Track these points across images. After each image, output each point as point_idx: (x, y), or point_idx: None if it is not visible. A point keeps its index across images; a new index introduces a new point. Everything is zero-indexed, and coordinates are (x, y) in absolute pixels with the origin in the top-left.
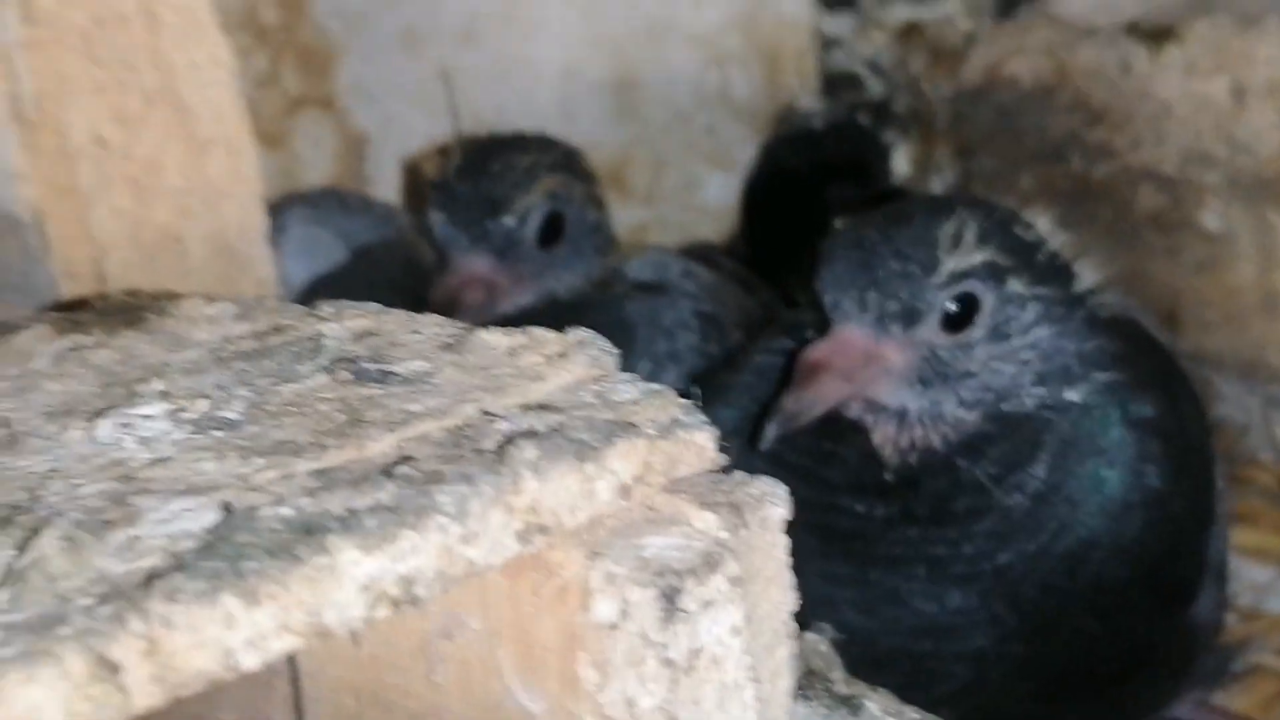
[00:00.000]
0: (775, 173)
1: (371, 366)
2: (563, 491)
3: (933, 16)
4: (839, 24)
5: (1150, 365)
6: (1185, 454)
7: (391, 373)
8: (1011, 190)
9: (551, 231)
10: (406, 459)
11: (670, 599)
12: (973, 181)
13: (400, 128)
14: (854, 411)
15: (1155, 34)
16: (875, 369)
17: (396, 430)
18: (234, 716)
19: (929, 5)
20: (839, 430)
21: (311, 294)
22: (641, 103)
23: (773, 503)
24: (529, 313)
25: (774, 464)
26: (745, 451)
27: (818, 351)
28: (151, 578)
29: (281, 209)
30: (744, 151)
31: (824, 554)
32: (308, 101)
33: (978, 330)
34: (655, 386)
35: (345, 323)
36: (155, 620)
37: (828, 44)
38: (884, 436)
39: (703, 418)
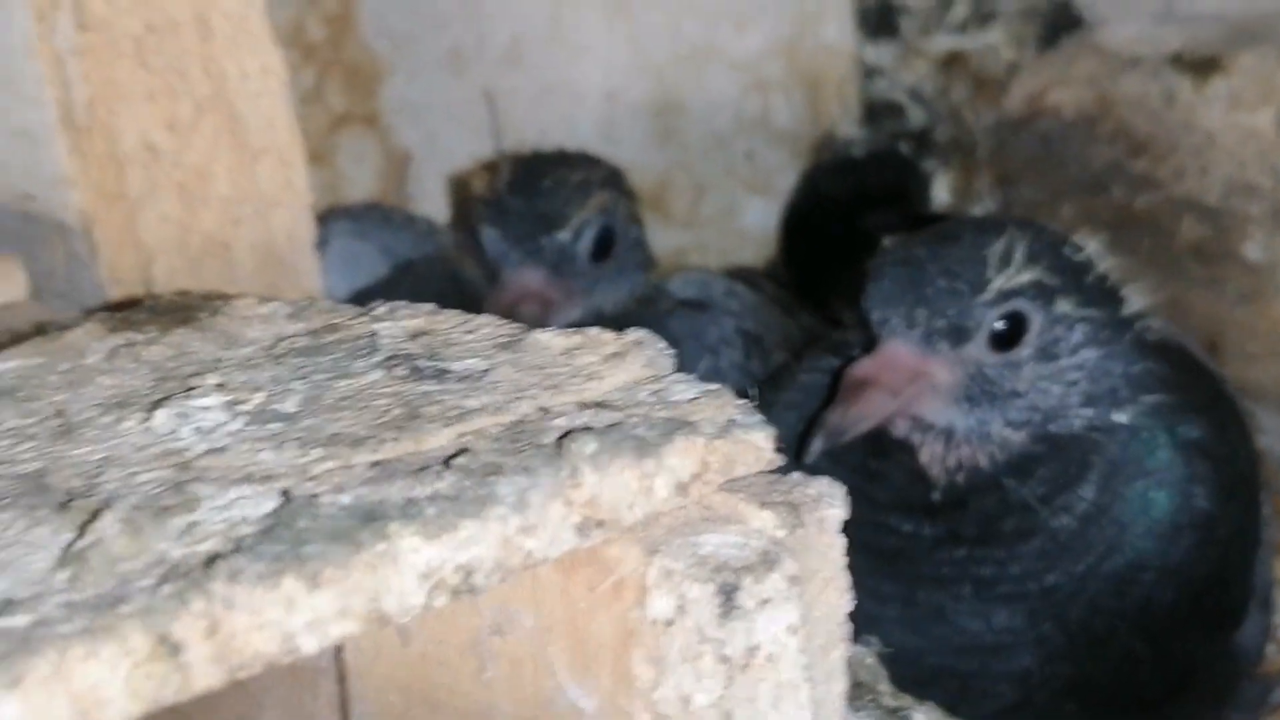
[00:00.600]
0: (815, 199)
1: (427, 364)
2: (621, 487)
3: (975, 46)
4: (881, 52)
5: (1198, 389)
6: (1233, 477)
7: (448, 370)
8: (1053, 220)
9: (603, 247)
10: (465, 451)
11: (728, 595)
12: (1013, 211)
13: (443, 147)
14: (901, 430)
15: (1199, 65)
16: (922, 386)
17: (454, 425)
18: (278, 715)
19: (972, 35)
20: (886, 449)
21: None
22: (682, 127)
23: (830, 504)
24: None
25: None
26: (791, 468)
27: (864, 367)
28: (213, 559)
29: (324, 222)
30: (784, 178)
31: (871, 572)
32: (352, 118)
33: (1025, 349)
34: (712, 386)
35: (400, 322)
36: (217, 600)
37: (869, 72)
38: (931, 455)
39: (760, 418)
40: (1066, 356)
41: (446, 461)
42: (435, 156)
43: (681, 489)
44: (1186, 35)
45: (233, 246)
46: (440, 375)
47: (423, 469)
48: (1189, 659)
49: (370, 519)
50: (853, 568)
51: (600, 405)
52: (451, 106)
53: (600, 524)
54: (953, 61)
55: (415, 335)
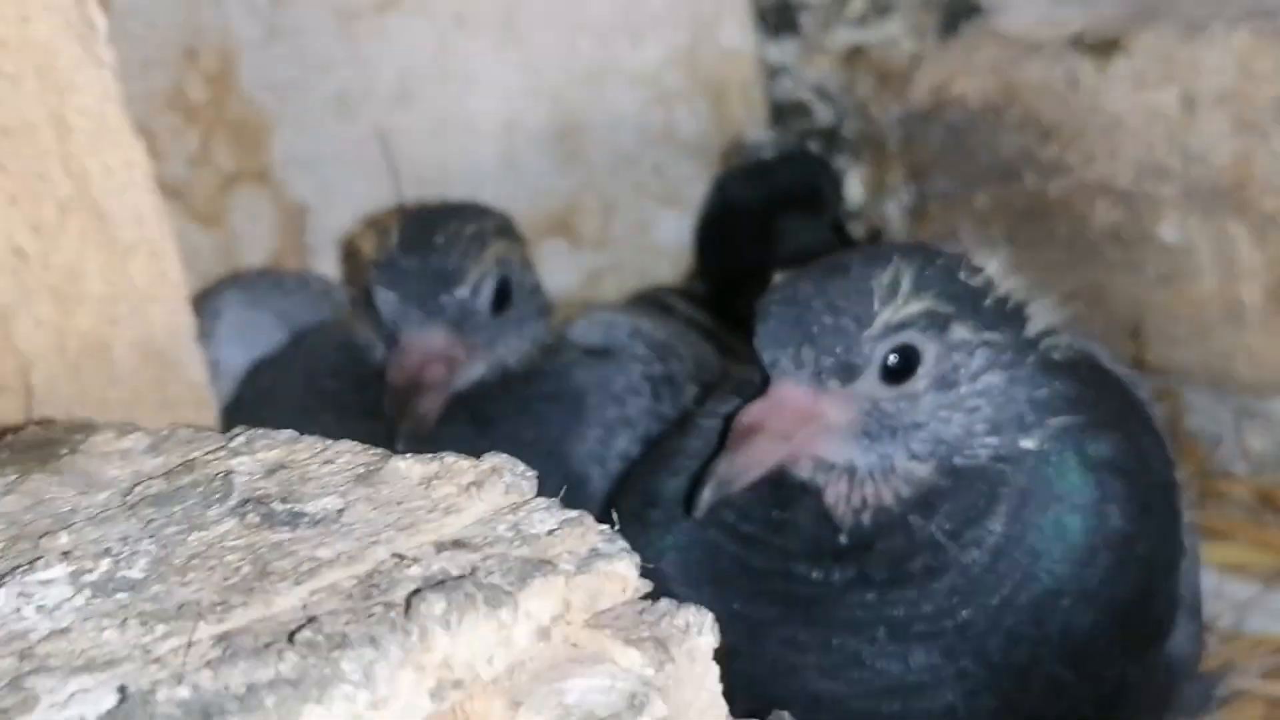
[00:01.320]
0: (727, 207)
1: (281, 507)
2: (477, 642)
3: (876, 39)
4: (783, 51)
5: (1108, 405)
6: (1148, 492)
7: (302, 513)
8: (967, 210)
9: (502, 298)
10: (312, 620)
11: None
12: (928, 203)
13: (340, 195)
14: (805, 473)
15: (1101, 47)
16: (815, 426)
17: (305, 581)
18: None
19: (872, 27)
20: (791, 494)
21: (250, 379)
22: (586, 148)
23: (699, 633)
24: (484, 385)
25: (728, 534)
26: (690, 520)
27: (752, 413)
28: None
29: (217, 294)
30: (694, 189)
31: (785, 621)
32: (243, 176)
33: (921, 381)
34: (572, 514)
35: (257, 455)
36: None
37: (773, 72)
38: (836, 496)
39: (623, 545)
40: (967, 384)
41: (291, 636)
42: (332, 206)
43: (543, 633)
44: (1087, 16)
45: (112, 345)
46: (294, 520)
47: (267, 646)
48: (1117, 679)
49: (208, 715)
50: (767, 619)
51: (457, 545)
52: (344, 153)
53: (457, 684)
54: (855, 56)
55: (272, 471)
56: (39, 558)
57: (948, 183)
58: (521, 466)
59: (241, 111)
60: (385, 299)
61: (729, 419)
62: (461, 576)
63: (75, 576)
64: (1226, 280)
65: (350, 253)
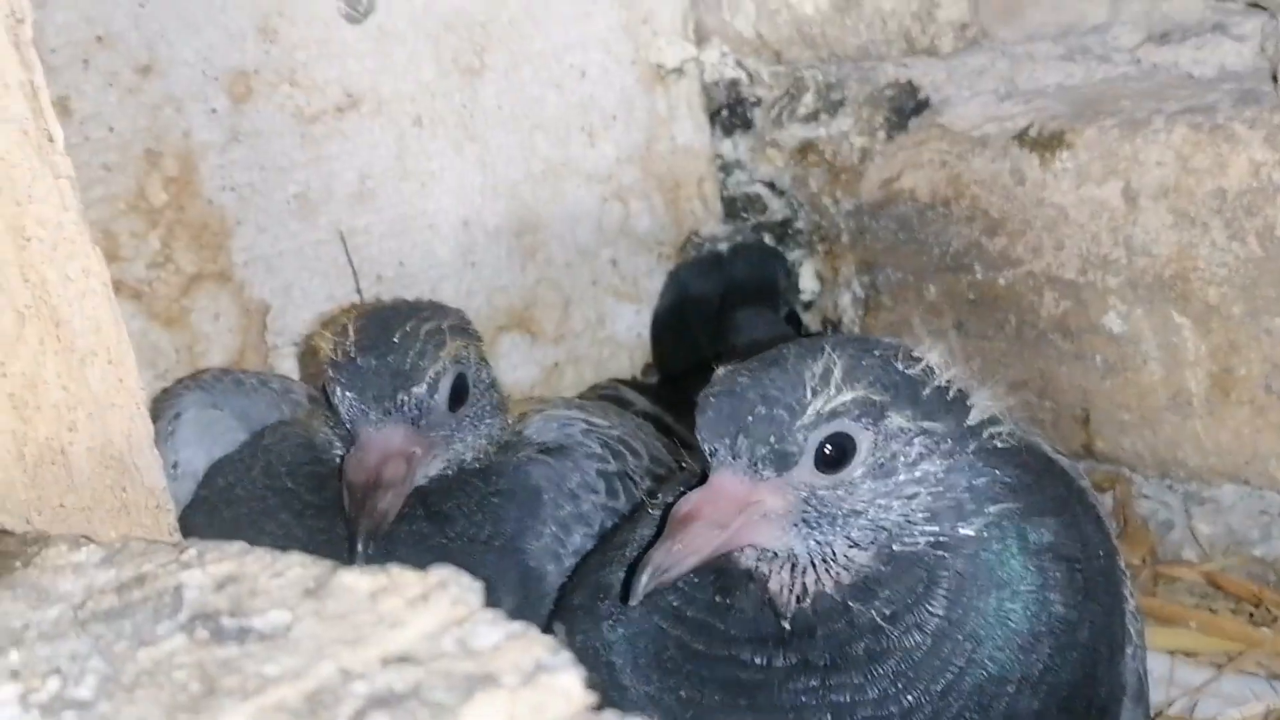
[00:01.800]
0: (683, 300)
1: (230, 623)
2: None
3: (827, 134)
4: (736, 147)
5: (1050, 491)
6: (1090, 579)
7: (250, 628)
8: (918, 300)
9: (459, 395)
10: None
11: None
12: (880, 294)
13: (301, 294)
14: (747, 560)
15: (1045, 142)
16: (751, 515)
17: (251, 699)
18: None
19: (823, 123)
20: (734, 581)
21: (210, 479)
22: (543, 244)
23: None
24: (442, 481)
25: (672, 619)
26: (631, 609)
27: (689, 502)
28: None
29: (176, 394)
30: (651, 282)
31: (729, 708)
32: (204, 277)
33: (857, 469)
34: (518, 627)
35: (208, 568)
36: None
37: (726, 167)
38: (779, 583)
39: (568, 657)
40: (905, 471)
41: None
42: (294, 305)
43: None
44: (1031, 112)
45: (69, 452)
46: (242, 636)
47: None
48: None
49: None
50: (711, 705)
51: (403, 659)
52: (305, 252)
53: None
54: (806, 151)
55: (222, 585)
56: None
57: (899, 274)
58: (467, 578)
59: (202, 213)
60: (344, 398)
61: (669, 508)
62: (406, 693)
63: (24, 697)
64: (1172, 369)
65: (308, 352)
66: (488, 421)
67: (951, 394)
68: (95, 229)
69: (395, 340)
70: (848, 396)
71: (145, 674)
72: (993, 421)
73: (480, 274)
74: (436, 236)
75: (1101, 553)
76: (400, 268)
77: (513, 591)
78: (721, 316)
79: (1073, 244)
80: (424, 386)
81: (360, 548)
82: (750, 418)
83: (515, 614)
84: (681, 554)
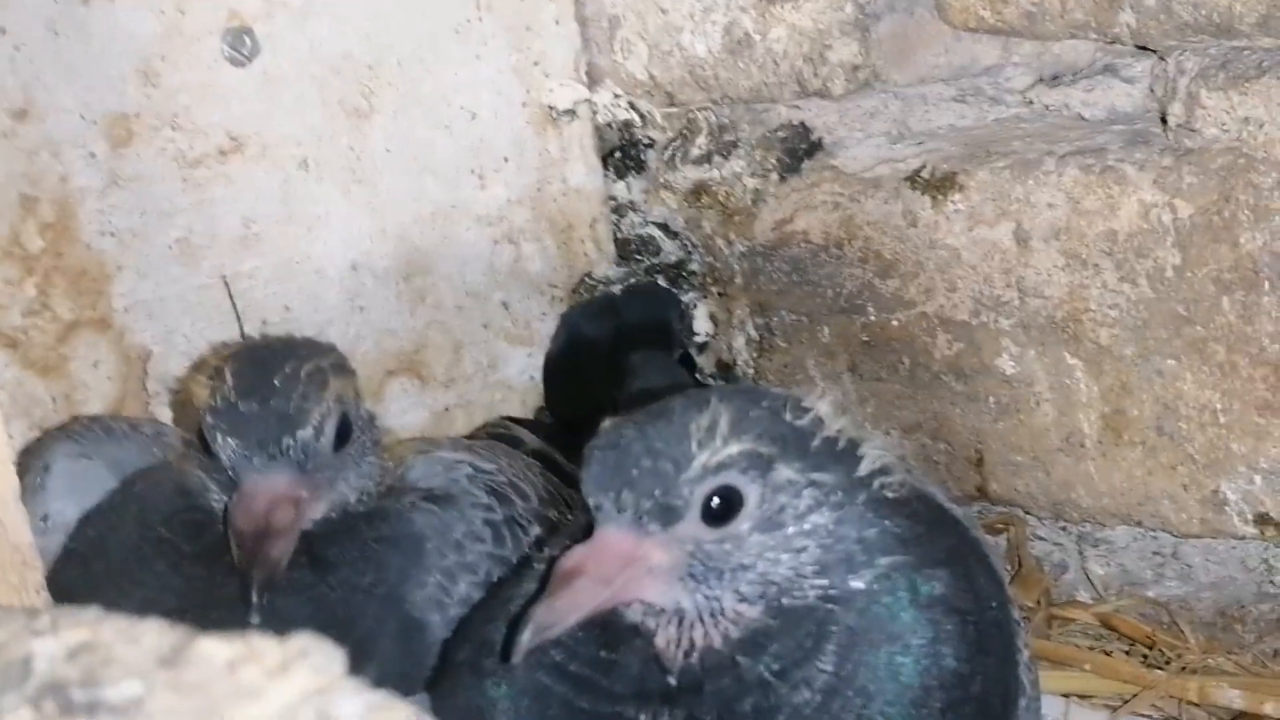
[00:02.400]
0: (575, 343)
1: (80, 696)
2: None
3: (720, 176)
4: (629, 189)
5: (942, 542)
6: (983, 631)
7: (101, 701)
8: (812, 342)
9: (343, 436)
10: None
11: None
12: (774, 336)
13: (184, 340)
14: (634, 615)
15: (938, 184)
16: (636, 570)
17: None
18: None
19: (716, 165)
20: (620, 637)
21: (80, 530)
22: (433, 286)
23: None
24: (325, 525)
25: (556, 675)
26: (515, 666)
27: (574, 556)
28: None
29: (45, 446)
30: (544, 325)
31: None
32: (82, 324)
33: (744, 522)
34: (378, 698)
35: (61, 635)
36: None
37: (620, 209)
38: (666, 639)
39: None
40: (794, 524)
41: None
42: (176, 351)
43: None
44: (923, 154)
45: None
46: (93, 709)
47: None
48: None
49: None
50: None
51: None
52: (187, 297)
53: None
54: (700, 192)
55: (75, 654)
56: None
57: (793, 315)
58: (329, 645)
59: (81, 259)
60: (225, 445)
61: (552, 562)
62: None
63: None
64: (1065, 410)
65: (182, 398)
66: (369, 460)
67: (841, 444)
68: None
69: (276, 383)
70: (734, 449)
71: None
72: (884, 471)
73: (369, 318)
74: (323, 280)
75: (994, 604)
76: (286, 312)
77: (394, 641)
78: (615, 359)
79: (965, 285)
80: (309, 430)
81: (255, 598)
82: (635, 471)
83: (396, 664)
84: (564, 610)
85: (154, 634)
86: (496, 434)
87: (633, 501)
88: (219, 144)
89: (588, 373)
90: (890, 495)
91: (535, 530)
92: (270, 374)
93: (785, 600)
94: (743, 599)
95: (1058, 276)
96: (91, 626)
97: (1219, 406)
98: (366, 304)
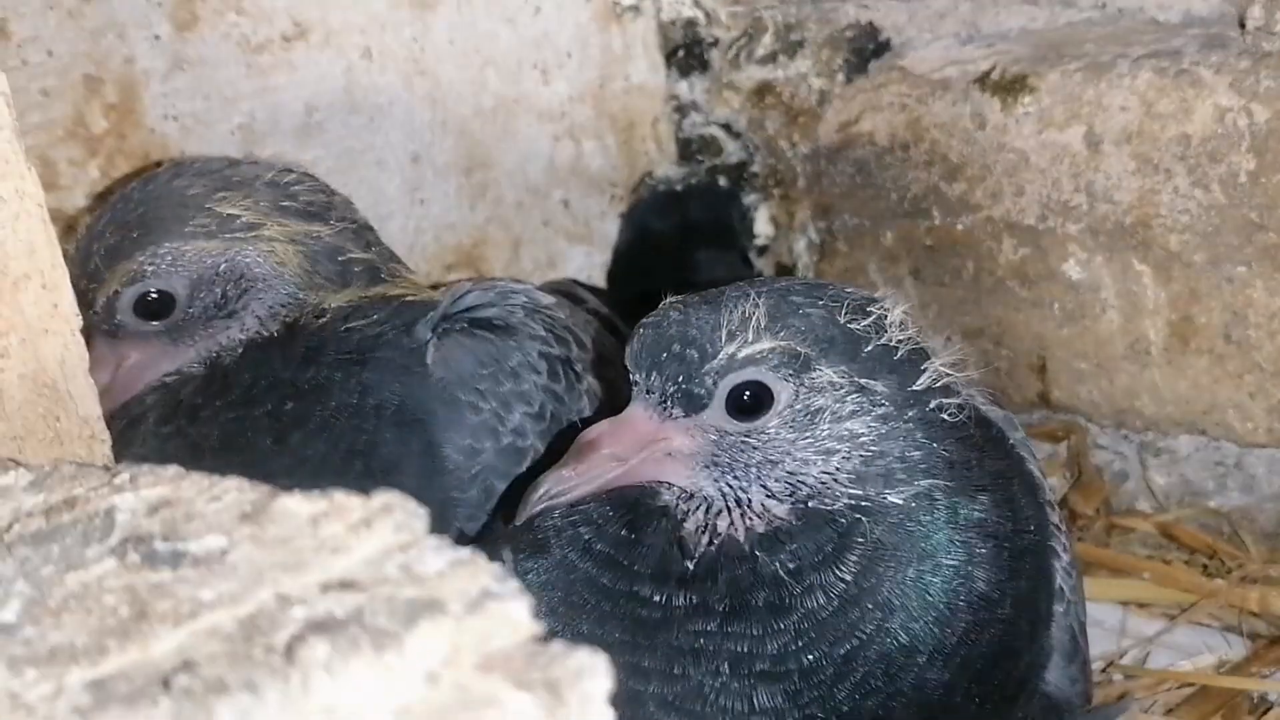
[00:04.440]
0: (642, 238)
1: (163, 546)
2: (362, 688)
3: (785, 76)
4: (692, 88)
5: (989, 467)
6: (1018, 557)
7: (184, 552)
8: (874, 246)
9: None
10: (188, 665)
11: None
12: (836, 240)
13: None
14: (664, 499)
15: (1007, 86)
16: (654, 452)
17: (184, 624)
18: None
19: (781, 65)
20: (645, 518)
21: None
22: (494, 182)
23: (593, 677)
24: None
25: (583, 552)
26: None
27: (594, 430)
28: None
29: None
30: (603, 224)
31: (630, 646)
32: None
33: (772, 419)
34: (463, 554)
35: (141, 491)
36: None
37: (682, 109)
38: (694, 524)
39: (515, 585)
40: (829, 427)
41: (166, 682)
42: None
43: (431, 678)
44: (994, 55)
45: (0, 379)
46: (176, 560)
47: (140, 693)
48: None
49: None
50: (611, 641)
51: (344, 585)
52: None
53: None
54: (764, 93)
55: (155, 508)
56: None
57: (855, 219)
58: (413, 504)
59: (144, 142)
60: None
61: (578, 432)
62: (347, 619)
63: None
64: (1131, 317)
65: None
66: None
67: (900, 354)
68: (32, 156)
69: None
70: (766, 345)
71: (73, 598)
72: (944, 391)
73: (429, 211)
74: (384, 172)
75: (1033, 528)
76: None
77: (418, 465)
78: (681, 256)
79: (1033, 189)
80: (100, 304)
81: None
82: (666, 355)
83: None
84: (575, 480)
85: (235, 491)
86: (559, 290)
87: (659, 384)
88: (283, 30)
89: (655, 269)
90: (946, 418)
91: (589, 381)
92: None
93: (813, 503)
94: (770, 495)
95: (1128, 181)
96: (171, 483)
97: None
98: (427, 197)
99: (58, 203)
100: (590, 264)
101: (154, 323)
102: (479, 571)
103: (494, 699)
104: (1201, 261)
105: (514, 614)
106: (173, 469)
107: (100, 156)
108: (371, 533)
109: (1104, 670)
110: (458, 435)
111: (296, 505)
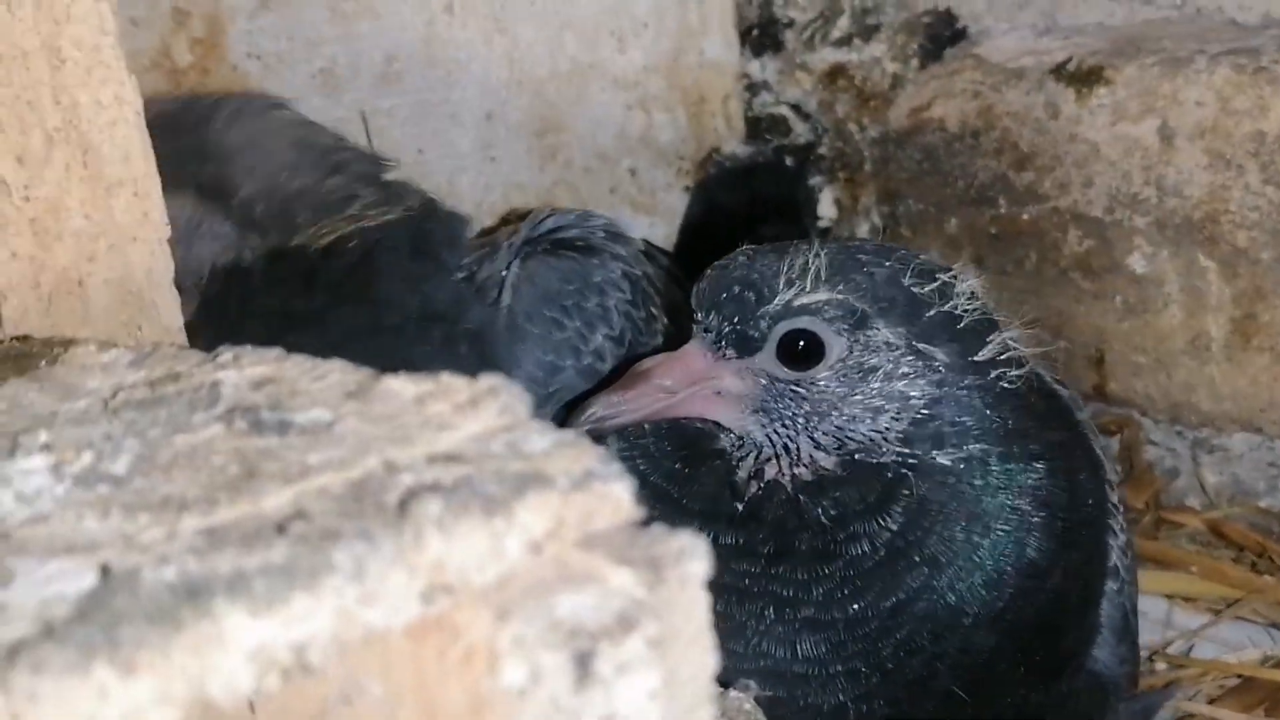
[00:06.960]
0: (711, 211)
1: (270, 416)
2: (469, 549)
3: (859, 59)
4: (764, 67)
5: (1048, 437)
6: (1071, 527)
7: (291, 422)
8: (938, 233)
9: None
10: (302, 515)
11: (583, 663)
12: (899, 225)
13: None
14: (722, 440)
15: (1083, 77)
16: (704, 389)
17: (293, 484)
18: None
19: (855, 48)
20: (700, 455)
21: None
22: (564, 145)
23: (692, 558)
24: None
25: (639, 483)
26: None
27: (649, 361)
28: (17, 649)
29: None
30: (668, 195)
31: None
32: None
33: (823, 370)
34: (569, 436)
35: (244, 370)
36: (19, 695)
37: (753, 87)
38: (746, 469)
39: (618, 467)
40: (880, 384)
41: (281, 526)
42: None
43: (535, 547)
44: (1070, 46)
45: (87, 283)
46: (283, 429)
47: (255, 536)
48: (1018, 704)
49: (193, 595)
50: None
51: (450, 458)
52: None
53: (447, 589)
54: (836, 75)
55: (259, 385)
56: (19, 449)
57: (920, 205)
58: (517, 388)
59: (227, 79)
60: None
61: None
62: (456, 486)
63: (56, 468)
64: (1193, 312)
65: None
66: None
67: (965, 323)
68: None
69: None
70: (822, 296)
71: (182, 456)
72: (1009, 363)
73: (499, 169)
74: (458, 126)
75: (1091, 501)
76: (419, 155)
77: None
78: (749, 231)
79: (1102, 181)
80: None
81: None
82: (725, 295)
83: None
84: (623, 406)
85: (338, 372)
86: None
87: (716, 324)
88: None
89: (723, 242)
90: (1005, 385)
91: (664, 323)
92: None
93: (860, 456)
94: (818, 446)
95: (1199, 176)
96: (274, 363)
97: None
98: (498, 155)
99: None
100: (652, 235)
101: None
102: (583, 452)
103: (595, 574)
104: (1269, 259)
105: (617, 494)
106: (275, 351)
107: (183, 88)
108: (477, 413)
109: (1149, 659)
110: (540, 351)
111: (401, 386)
